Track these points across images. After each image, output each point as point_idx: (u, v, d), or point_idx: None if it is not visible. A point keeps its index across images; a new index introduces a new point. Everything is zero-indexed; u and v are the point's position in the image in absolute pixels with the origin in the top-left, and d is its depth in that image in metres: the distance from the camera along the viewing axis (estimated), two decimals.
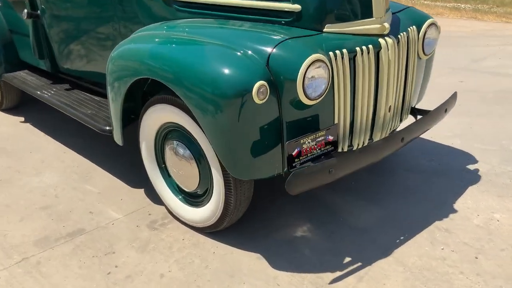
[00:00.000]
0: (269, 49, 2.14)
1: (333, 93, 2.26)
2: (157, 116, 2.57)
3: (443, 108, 2.82)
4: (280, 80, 2.12)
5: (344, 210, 2.83)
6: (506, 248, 2.46)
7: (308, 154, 2.20)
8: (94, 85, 3.67)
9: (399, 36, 2.47)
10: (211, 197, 2.49)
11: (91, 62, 3.46)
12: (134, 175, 3.25)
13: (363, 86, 2.35)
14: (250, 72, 2.08)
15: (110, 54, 2.68)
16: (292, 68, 2.10)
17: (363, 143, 2.52)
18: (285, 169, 2.25)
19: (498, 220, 2.69)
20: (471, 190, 2.99)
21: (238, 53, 2.15)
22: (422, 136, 3.50)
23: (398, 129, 2.95)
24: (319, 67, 2.12)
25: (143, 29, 2.74)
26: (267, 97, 2.07)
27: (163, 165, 2.74)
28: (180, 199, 2.69)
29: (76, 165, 3.48)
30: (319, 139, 2.22)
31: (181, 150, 2.51)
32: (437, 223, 2.68)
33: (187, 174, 2.53)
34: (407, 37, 2.56)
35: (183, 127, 2.43)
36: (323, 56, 2.14)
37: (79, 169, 3.42)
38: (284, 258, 2.43)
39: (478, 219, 2.71)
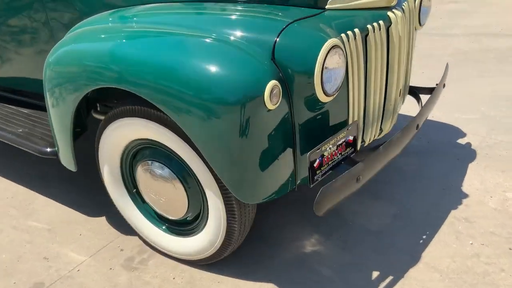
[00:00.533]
0: (272, 38, 1.68)
1: (347, 83, 1.85)
2: (123, 133, 2.02)
3: (442, 84, 2.54)
4: (289, 76, 1.67)
5: (349, 210, 2.48)
6: None
7: (329, 162, 1.80)
8: (16, 93, 2.99)
9: (402, 7, 2.11)
10: (205, 223, 2.02)
11: (8, 63, 2.79)
12: (89, 200, 2.67)
13: (376, 69, 1.97)
14: (256, 70, 1.61)
15: (46, 58, 2.09)
16: (305, 60, 1.66)
17: (374, 136, 2.18)
18: (298, 182, 1.84)
19: None
20: (472, 168, 2.76)
21: (234, 46, 1.67)
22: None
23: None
24: (335, 54, 1.71)
25: (87, 22, 2.15)
26: (279, 100, 1.63)
27: (135, 190, 2.21)
28: (163, 229, 2.18)
29: (10, 196, 2.81)
30: (339, 142, 1.81)
31: (159, 171, 2.01)
32: (453, 212, 2.41)
33: (172, 198, 2.04)
34: (409, 8, 2.20)
35: (162, 144, 1.92)
36: (339, 40, 1.72)
37: (15, 200, 2.77)
38: (302, 285, 2.04)
39: (492, 201, 2.48)
